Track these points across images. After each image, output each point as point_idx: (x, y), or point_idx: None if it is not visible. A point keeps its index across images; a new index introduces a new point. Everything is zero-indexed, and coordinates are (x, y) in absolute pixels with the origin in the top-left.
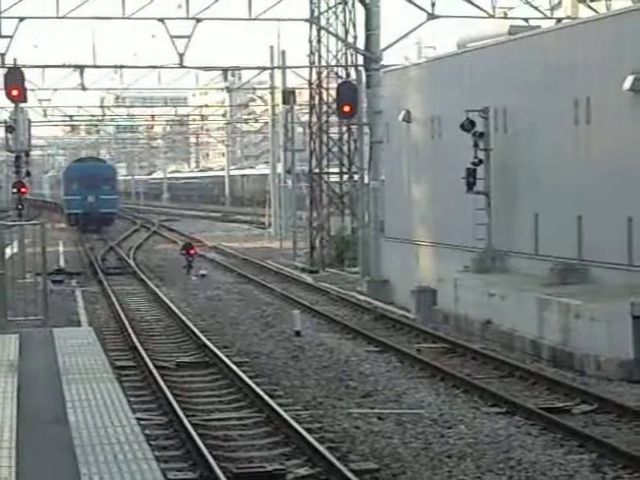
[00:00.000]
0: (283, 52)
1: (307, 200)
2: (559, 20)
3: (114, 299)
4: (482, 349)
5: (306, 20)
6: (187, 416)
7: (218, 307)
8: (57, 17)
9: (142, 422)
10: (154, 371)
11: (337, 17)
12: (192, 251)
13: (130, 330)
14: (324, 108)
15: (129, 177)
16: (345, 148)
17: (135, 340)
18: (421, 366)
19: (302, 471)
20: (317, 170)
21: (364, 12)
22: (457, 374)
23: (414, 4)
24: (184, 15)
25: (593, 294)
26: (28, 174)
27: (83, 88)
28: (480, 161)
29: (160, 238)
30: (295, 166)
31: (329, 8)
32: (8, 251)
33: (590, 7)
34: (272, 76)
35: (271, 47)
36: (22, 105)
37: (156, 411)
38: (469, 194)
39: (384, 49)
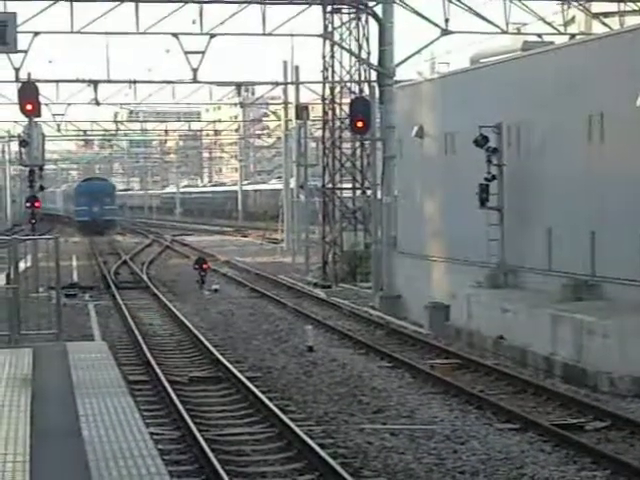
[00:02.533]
0: (296, 67)
1: (320, 215)
2: (572, 36)
3: (127, 313)
4: (495, 365)
5: (320, 36)
6: (200, 431)
7: (231, 322)
8: (71, 32)
9: (155, 436)
10: (167, 386)
11: (351, 33)
12: (205, 266)
13: (143, 344)
14: (337, 123)
15: (142, 191)
16: (358, 163)
17: (148, 354)
18: (434, 382)
19: None
20: (330, 185)
21: (377, 28)
22: (470, 390)
23: (428, 20)
24: (198, 30)
25: (606, 310)
26: (42, 188)
27: (97, 103)
28: (493, 177)
29: (173, 253)
30: (308, 181)
31: (343, 24)
32: (22, 265)
33: (603, 23)
34: (285, 91)
35: (284, 62)
36: (36, 120)
37: (169, 426)
38: (482, 210)
39: (397, 65)
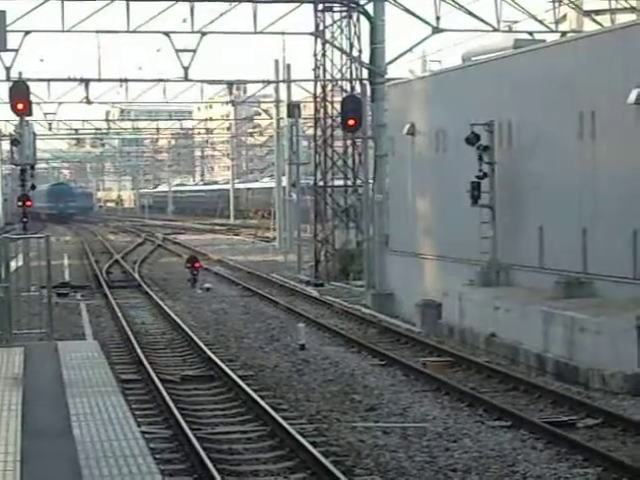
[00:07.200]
0: (288, 65)
1: (312, 213)
2: (564, 34)
3: (119, 312)
4: (487, 362)
5: (311, 34)
6: (192, 429)
7: (223, 320)
8: (62, 31)
9: (147, 435)
10: (159, 384)
11: (342, 31)
12: (197, 264)
13: (135, 343)
14: (329, 121)
15: (133, 190)
16: (350, 161)
17: (140, 353)
18: (426, 380)
19: None
20: (322, 183)
21: (369, 26)
22: (462, 388)
23: (419, 18)
24: (189, 29)
25: (598, 307)
26: (33, 187)
27: (88, 102)
28: (485, 174)
29: (165, 251)
30: (300, 179)
31: (334, 22)
32: (13, 264)
33: (595, 20)
34: (277, 89)
35: (276, 61)
36: (27, 118)
37: (161, 424)
38: (474, 207)
39: (389, 63)
